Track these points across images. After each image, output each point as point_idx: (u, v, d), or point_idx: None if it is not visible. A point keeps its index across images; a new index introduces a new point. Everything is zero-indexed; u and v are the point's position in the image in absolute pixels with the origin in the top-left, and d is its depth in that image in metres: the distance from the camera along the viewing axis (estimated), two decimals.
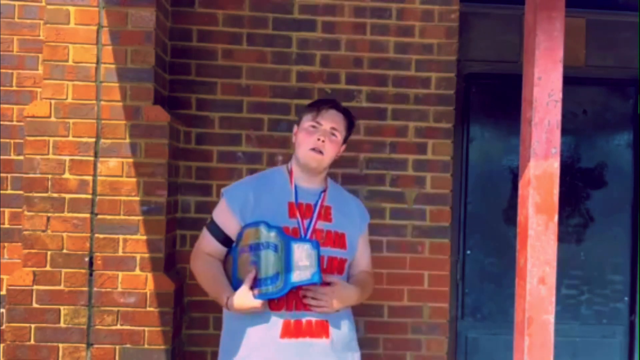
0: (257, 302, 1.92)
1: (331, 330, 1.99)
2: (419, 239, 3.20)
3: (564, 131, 1.89)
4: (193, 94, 3.15)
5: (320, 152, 2.04)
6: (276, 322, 1.95)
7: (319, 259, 1.91)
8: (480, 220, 3.48)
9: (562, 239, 3.24)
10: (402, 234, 3.18)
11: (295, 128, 2.17)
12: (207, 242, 2.12)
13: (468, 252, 3.48)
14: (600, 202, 3.54)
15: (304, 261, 1.90)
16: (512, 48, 3.44)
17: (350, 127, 2.18)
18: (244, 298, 1.94)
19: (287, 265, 1.90)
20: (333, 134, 2.08)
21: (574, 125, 3.52)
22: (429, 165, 3.21)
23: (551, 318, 1.87)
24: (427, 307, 3.20)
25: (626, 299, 3.54)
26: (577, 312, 3.53)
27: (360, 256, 2.19)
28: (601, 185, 3.56)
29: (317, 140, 2.04)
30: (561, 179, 1.91)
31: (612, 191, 3.55)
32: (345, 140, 2.17)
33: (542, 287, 1.87)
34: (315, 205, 2.07)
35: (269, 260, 1.93)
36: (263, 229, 1.95)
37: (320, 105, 2.12)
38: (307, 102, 3.12)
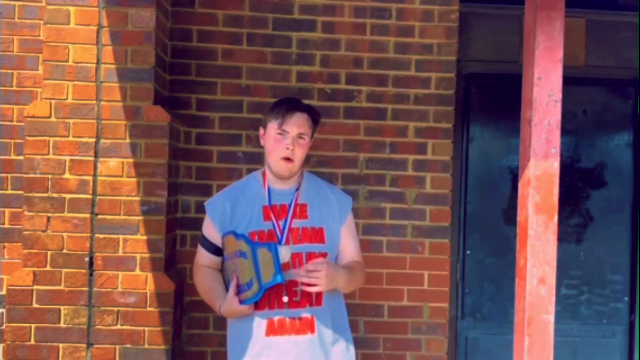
0: (243, 307, 2.00)
1: (317, 325, 2.03)
2: (419, 239, 3.20)
3: (564, 131, 1.90)
4: (193, 94, 3.15)
5: (292, 161, 2.08)
6: (260, 321, 2.02)
7: (278, 259, 1.94)
8: (480, 220, 3.48)
9: (562, 239, 3.24)
10: (402, 234, 3.18)
11: (261, 130, 2.17)
12: (202, 256, 2.21)
13: (468, 252, 3.48)
14: (600, 202, 3.54)
15: (266, 264, 1.94)
16: (512, 48, 3.44)
17: (315, 122, 2.19)
18: (230, 305, 2.02)
19: (256, 269, 1.96)
20: (301, 138, 2.10)
21: (573, 125, 3.52)
22: (429, 165, 3.21)
23: (551, 318, 1.87)
24: (427, 307, 3.20)
25: (626, 299, 3.54)
26: (577, 312, 3.53)
27: (345, 246, 2.16)
28: (601, 185, 3.56)
29: (286, 149, 2.07)
30: (561, 179, 1.91)
31: (611, 191, 3.55)
32: (312, 134, 2.20)
33: (542, 287, 1.87)
34: (290, 205, 2.10)
35: (243, 267, 1.99)
36: (232, 238, 2.03)
37: (283, 111, 2.11)
38: (307, 102, 3.14)
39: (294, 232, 2.07)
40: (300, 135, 2.10)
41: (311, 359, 2.01)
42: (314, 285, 1.94)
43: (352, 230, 2.22)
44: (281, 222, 2.07)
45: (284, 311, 2.01)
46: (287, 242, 2.04)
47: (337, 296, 2.13)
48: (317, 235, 2.09)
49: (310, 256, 2.04)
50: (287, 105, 2.14)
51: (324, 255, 2.07)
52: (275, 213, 2.08)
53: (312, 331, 2.01)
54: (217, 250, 2.15)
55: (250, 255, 1.96)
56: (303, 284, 1.95)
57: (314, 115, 2.18)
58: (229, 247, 2.05)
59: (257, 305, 2.01)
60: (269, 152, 2.11)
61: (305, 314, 2.02)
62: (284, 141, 2.07)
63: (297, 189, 2.14)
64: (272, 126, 2.11)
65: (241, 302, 1.99)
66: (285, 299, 2.01)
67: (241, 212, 2.09)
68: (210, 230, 2.15)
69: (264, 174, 2.16)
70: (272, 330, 2.01)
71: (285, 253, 1.96)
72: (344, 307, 2.19)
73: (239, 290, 2.01)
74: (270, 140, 2.11)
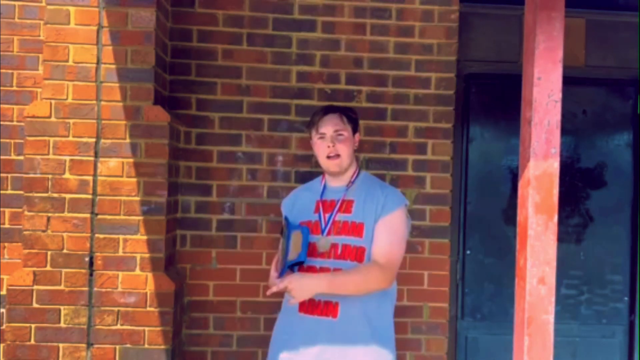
0: (277, 280, 2.19)
1: (340, 311, 2.19)
2: (419, 238, 3.20)
3: (564, 131, 1.90)
4: (193, 94, 3.15)
5: (336, 156, 2.29)
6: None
7: (306, 240, 2.20)
8: (480, 220, 3.48)
9: (561, 239, 3.24)
10: None
11: (312, 143, 2.39)
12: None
13: (468, 252, 3.48)
14: (600, 202, 3.54)
15: (296, 245, 2.20)
16: (512, 48, 3.44)
17: (351, 119, 2.37)
18: (270, 280, 2.28)
19: (287, 248, 2.20)
20: (339, 135, 2.30)
21: (573, 125, 3.52)
22: (429, 165, 3.21)
23: (551, 318, 1.87)
24: (427, 307, 3.20)
25: (626, 298, 3.54)
26: (576, 312, 3.53)
27: (374, 243, 2.24)
28: (601, 185, 3.56)
29: (327, 148, 2.29)
30: (561, 179, 1.91)
31: (611, 191, 3.55)
32: (355, 131, 2.38)
33: (541, 287, 1.87)
34: (338, 200, 2.31)
35: (282, 247, 2.24)
36: (284, 223, 2.27)
37: (316, 118, 2.34)
38: (307, 102, 3.16)
39: (336, 224, 2.26)
40: (337, 133, 2.29)
41: (329, 341, 2.17)
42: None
43: (391, 228, 2.26)
44: (327, 215, 2.29)
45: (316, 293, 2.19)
46: (328, 234, 2.25)
47: (377, 295, 2.24)
48: (356, 229, 2.24)
49: (345, 248, 2.23)
50: (318, 110, 2.37)
51: (360, 248, 2.22)
52: (325, 207, 2.31)
53: (335, 316, 2.19)
54: None
55: (285, 235, 2.20)
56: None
57: (347, 113, 2.37)
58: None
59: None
60: (318, 157, 2.35)
61: (331, 299, 2.18)
62: (324, 143, 2.30)
63: (348, 188, 2.33)
64: (313, 134, 2.34)
65: (276, 277, 2.23)
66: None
67: (300, 205, 2.38)
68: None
69: (324, 174, 2.42)
70: (303, 308, 2.22)
71: (324, 242, 2.22)
72: (386, 309, 2.32)
73: (276, 267, 2.28)
74: (315, 146, 2.34)
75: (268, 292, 2.19)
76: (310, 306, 2.22)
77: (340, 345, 2.18)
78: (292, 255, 2.20)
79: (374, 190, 2.32)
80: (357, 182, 2.36)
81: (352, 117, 2.38)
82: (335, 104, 2.42)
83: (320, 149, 2.32)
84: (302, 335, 2.22)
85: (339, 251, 2.23)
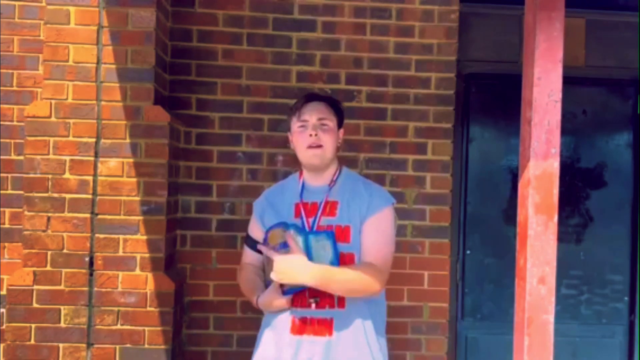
0: (283, 299, 1.99)
1: (336, 328, 1.99)
2: (419, 239, 3.20)
3: (564, 131, 1.89)
4: (193, 94, 3.15)
5: (318, 146, 2.05)
6: (287, 318, 2.02)
7: (336, 246, 1.97)
8: (480, 220, 3.48)
9: (562, 239, 3.24)
10: (402, 234, 3.18)
11: (288, 135, 2.17)
12: (245, 253, 2.24)
13: (468, 252, 3.48)
14: (600, 202, 3.54)
15: (321, 251, 1.96)
16: (512, 48, 3.44)
17: (338, 110, 2.16)
18: (272, 295, 2.01)
19: (308, 257, 1.94)
20: (323, 124, 2.07)
21: (573, 125, 3.52)
22: (429, 165, 3.21)
23: (551, 318, 1.87)
24: (427, 307, 3.20)
25: (626, 299, 3.54)
26: (576, 312, 3.53)
27: (363, 245, 2.04)
28: (601, 185, 3.56)
29: (309, 136, 2.05)
30: (561, 179, 1.91)
31: (611, 191, 3.55)
32: (340, 125, 2.16)
33: (541, 287, 1.87)
34: (321, 202, 2.08)
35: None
36: (280, 230, 2.02)
37: (299, 104, 2.12)
38: None
39: (321, 229, 2.03)
40: (321, 122, 2.07)
41: None
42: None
43: (379, 229, 2.06)
44: (311, 219, 2.05)
45: (307, 311, 2.00)
46: None
47: (371, 301, 2.06)
48: (342, 233, 2.03)
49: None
50: (303, 97, 2.15)
51: (349, 255, 2.02)
52: (307, 210, 2.07)
53: (330, 333, 1.99)
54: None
55: (299, 244, 1.95)
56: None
57: (334, 103, 2.16)
58: (277, 239, 2.02)
59: (292, 302, 2.01)
60: (296, 147, 2.10)
61: (325, 315, 1.99)
62: (306, 131, 2.06)
63: (331, 188, 2.10)
64: (294, 122, 2.11)
65: (284, 292, 1.98)
66: (312, 305, 1.99)
67: (277, 208, 2.11)
68: (254, 227, 2.18)
69: (300, 172, 2.17)
70: (295, 328, 2.00)
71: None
72: (378, 310, 2.12)
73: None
74: (295, 136, 2.10)
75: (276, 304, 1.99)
76: (300, 326, 2.00)
77: None
78: (320, 263, 1.95)
79: (358, 189, 2.11)
80: (340, 181, 2.13)
81: (338, 109, 2.16)
82: (319, 93, 2.18)
83: (301, 138, 2.06)
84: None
85: None
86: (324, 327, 1.99)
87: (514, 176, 3.48)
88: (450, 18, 3.22)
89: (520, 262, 1.91)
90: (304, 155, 2.07)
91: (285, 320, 2.02)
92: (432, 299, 3.20)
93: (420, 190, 3.21)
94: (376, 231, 2.05)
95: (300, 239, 1.97)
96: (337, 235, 2.02)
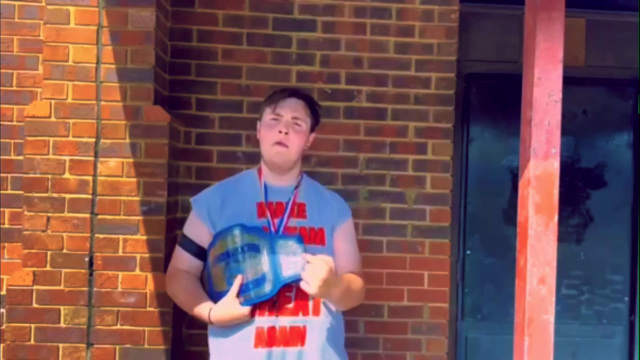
0: (245, 310, 1.83)
1: (308, 337, 1.85)
2: (419, 239, 3.20)
3: (564, 131, 1.89)
4: (193, 94, 3.15)
5: (285, 146, 1.94)
6: (250, 330, 1.85)
7: (305, 251, 1.84)
8: (480, 220, 3.48)
9: (562, 239, 3.23)
10: (402, 234, 3.18)
11: (258, 124, 2.06)
12: (181, 259, 2.04)
13: (468, 252, 3.48)
14: (600, 202, 3.54)
15: (290, 256, 1.83)
16: (512, 48, 3.44)
17: (314, 113, 2.06)
18: (230, 307, 1.84)
19: (273, 264, 1.83)
20: (296, 124, 1.97)
21: (573, 126, 3.52)
22: (429, 165, 3.21)
23: (551, 318, 1.87)
24: (427, 307, 3.20)
25: (626, 299, 3.54)
26: (577, 312, 3.53)
27: (342, 254, 1.97)
28: (601, 185, 3.56)
29: (278, 133, 1.93)
30: (561, 179, 1.91)
31: (612, 191, 3.55)
32: (313, 129, 2.06)
33: (542, 288, 1.87)
34: (288, 202, 1.96)
35: (253, 263, 1.85)
36: (239, 232, 1.88)
37: (277, 95, 2.01)
38: None
39: (291, 231, 1.91)
40: (295, 120, 1.97)
41: None
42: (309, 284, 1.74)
43: (350, 237, 2.04)
44: (277, 220, 1.92)
45: (275, 319, 1.85)
46: None
47: (339, 321, 1.99)
48: (317, 236, 1.94)
49: None
50: (282, 90, 2.04)
51: None
52: (272, 210, 1.93)
53: (302, 343, 1.84)
54: (199, 252, 2.00)
55: (265, 248, 1.83)
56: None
57: (312, 104, 2.06)
58: (229, 244, 1.89)
59: (252, 311, 1.86)
60: (262, 139, 1.98)
61: (298, 323, 1.85)
62: (277, 126, 1.95)
63: (297, 187, 2.01)
64: (267, 112, 2.00)
65: (242, 303, 1.84)
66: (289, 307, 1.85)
67: (232, 208, 1.94)
68: (197, 227, 1.99)
69: (259, 170, 2.04)
70: (261, 341, 1.83)
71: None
72: (341, 321, 2.03)
73: (240, 291, 1.85)
74: (264, 128, 1.99)
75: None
76: (268, 337, 1.82)
77: None
78: (290, 271, 1.82)
79: (324, 195, 2.05)
80: (304, 184, 2.05)
81: (315, 112, 2.06)
82: (300, 89, 2.10)
83: (270, 132, 1.94)
84: None
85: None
86: (296, 336, 1.84)
87: (514, 176, 3.48)
88: (450, 18, 3.22)
89: (521, 263, 1.91)
90: (269, 150, 1.96)
91: (247, 331, 1.85)
92: (432, 299, 3.19)
93: (420, 190, 3.21)
94: (350, 242, 2.01)
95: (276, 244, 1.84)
96: (310, 237, 1.92)
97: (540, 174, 1.86)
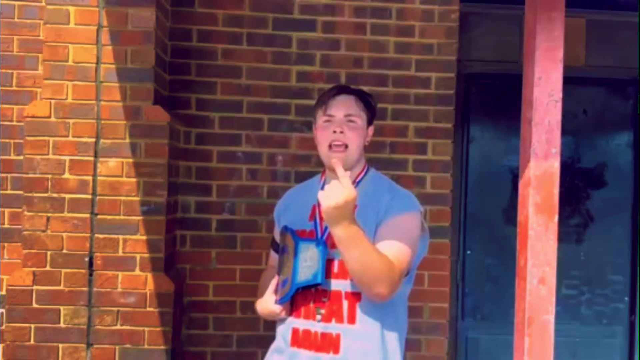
0: (274, 307, 1.85)
1: (343, 345, 1.77)
2: None
3: (564, 131, 1.89)
4: (193, 94, 3.15)
5: (342, 149, 1.85)
6: (289, 328, 1.85)
7: (324, 258, 1.77)
8: (480, 220, 3.48)
9: (562, 239, 3.22)
10: None
11: (313, 130, 1.99)
12: (270, 257, 2.12)
13: (468, 252, 3.48)
14: (600, 202, 3.54)
15: (307, 261, 1.80)
16: (512, 48, 3.44)
17: (368, 106, 1.95)
18: (265, 303, 1.90)
19: (294, 267, 1.82)
20: (350, 121, 1.87)
21: (574, 125, 3.52)
22: (429, 165, 3.21)
23: (551, 318, 1.87)
24: (427, 307, 3.20)
25: (626, 299, 3.54)
26: (577, 312, 3.52)
27: (379, 237, 1.80)
28: (601, 185, 3.56)
29: (333, 133, 1.84)
30: (561, 179, 1.91)
31: (612, 191, 3.55)
32: (370, 122, 1.97)
33: (542, 288, 1.86)
34: None
35: (284, 263, 1.88)
36: (281, 233, 1.94)
37: (326, 95, 1.92)
38: (307, 102, 3.14)
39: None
40: (349, 118, 1.86)
41: None
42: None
43: (395, 230, 1.81)
44: (325, 223, 1.77)
45: (311, 323, 1.81)
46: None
47: (389, 315, 1.87)
48: None
49: (342, 265, 1.77)
50: (331, 89, 1.95)
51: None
52: (321, 213, 1.78)
53: (336, 351, 1.77)
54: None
55: (292, 250, 1.83)
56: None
57: (365, 97, 1.94)
58: (280, 243, 1.95)
59: (292, 311, 1.84)
60: (318, 143, 1.90)
61: (330, 330, 1.78)
62: (330, 127, 1.85)
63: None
64: (319, 115, 1.91)
65: (277, 301, 1.84)
66: (318, 317, 1.80)
67: (293, 210, 1.95)
68: (275, 230, 2.06)
69: (324, 171, 1.99)
70: (297, 341, 1.82)
71: None
72: (397, 337, 1.92)
73: (276, 289, 1.87)
74: (319, 130, 1.90)
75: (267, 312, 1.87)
76: (303, 339, 1.80)
77: None
78: (303, 276, 1.78)
79: (380, 193, 1.90)
80: (364, 183, 1.93)
81: (369, 105, 1.94)
82: (349, 86, 2.01)
83: (324, 134, 1.85)
84: None
85: (335, 268, 1.79)
86: (328, 343, 1.78)
87: (514, 176, 3.48)
88: (450, 18, 3.22)
89: (521, 262, 1.91)
90: (325, 154, 1.87)
91: (287, 328, 1.86)
92: (433, 299, 3.19)
93: (420, 191, 3.20)
94: (392, 233, 1.80)
95: (295, 245, 1.84)
96: None
97: (541, 174, 1.86)
